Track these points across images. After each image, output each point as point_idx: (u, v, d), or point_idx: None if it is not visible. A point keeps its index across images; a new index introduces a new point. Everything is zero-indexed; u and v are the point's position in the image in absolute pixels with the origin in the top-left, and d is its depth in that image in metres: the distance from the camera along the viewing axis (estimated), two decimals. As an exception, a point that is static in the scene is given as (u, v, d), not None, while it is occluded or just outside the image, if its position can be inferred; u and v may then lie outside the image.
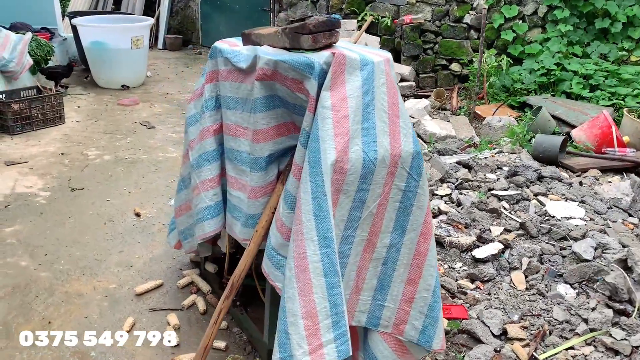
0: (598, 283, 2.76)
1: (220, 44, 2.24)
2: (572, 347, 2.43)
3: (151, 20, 7.57)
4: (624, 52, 6.49)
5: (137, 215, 3.62)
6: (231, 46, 2.19)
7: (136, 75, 7.15)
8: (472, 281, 2.92)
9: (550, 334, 2.52)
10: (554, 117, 5.43)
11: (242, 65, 2.04)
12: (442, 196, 3.75)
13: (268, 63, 1.86)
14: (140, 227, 3.47)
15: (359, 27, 6.97)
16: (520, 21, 6.88)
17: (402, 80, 6.94)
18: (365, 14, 7.28)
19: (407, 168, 1.87)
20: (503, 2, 6.89)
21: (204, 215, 2.35)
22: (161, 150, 4.93)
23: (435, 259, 1.99)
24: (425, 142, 5.18)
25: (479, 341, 2.44)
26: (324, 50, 1.80)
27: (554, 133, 5.20)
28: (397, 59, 7.18)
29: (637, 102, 5.57)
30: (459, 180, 3.91)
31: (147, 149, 4.91)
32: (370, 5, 7.39)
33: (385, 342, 2.04)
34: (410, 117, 5.72)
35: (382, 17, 7.22)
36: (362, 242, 1.91)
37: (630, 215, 3.55)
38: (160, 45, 9.79)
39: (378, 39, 7.08)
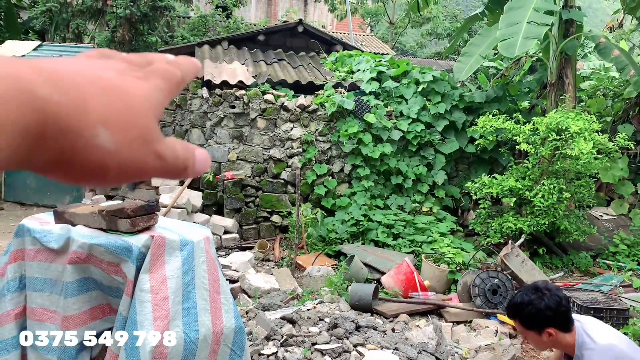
0: None
1: (28, 222, 2.13)
2: None
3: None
4: (417, 204, 7.55)
5: None
6: (42, 224, 2.09)
7: None
8: None
9: None
10: (365, 264, 5.94)
11: (54, 246, 1.95)
12: (268, 355, 3.74)
13: (82, 246, 1.81)
14: None
15: (181, 183, 7.10)
16: (330, 177, 7.68)
17: (225, 232, 7.07)
18: (187, 170, 7.46)
19: (229, 344, 1.89)
20: (314, 161, 7.67)
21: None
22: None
23: None
24: (250, 297, 5.21)
25: None
26: (142, 232, 1.83)
27: (367, 280, 5.64)
28: (220, 212, 7.38)
29: (432, 249, 6.39)
30: (284, 337, 3.96)
31: None
32: (192, 161, 7.64)
33: None
34: (235, 270, 5.78)
35: (204, 172, 7.47)
36: None
37: (437, 358, 3.90)
38: (-48, 198, 8.78)
39: (200, 193, 7.25)
